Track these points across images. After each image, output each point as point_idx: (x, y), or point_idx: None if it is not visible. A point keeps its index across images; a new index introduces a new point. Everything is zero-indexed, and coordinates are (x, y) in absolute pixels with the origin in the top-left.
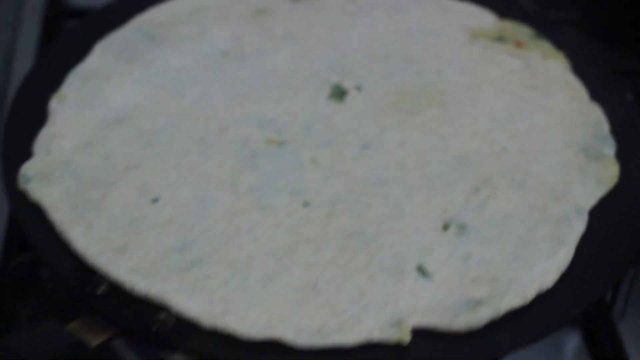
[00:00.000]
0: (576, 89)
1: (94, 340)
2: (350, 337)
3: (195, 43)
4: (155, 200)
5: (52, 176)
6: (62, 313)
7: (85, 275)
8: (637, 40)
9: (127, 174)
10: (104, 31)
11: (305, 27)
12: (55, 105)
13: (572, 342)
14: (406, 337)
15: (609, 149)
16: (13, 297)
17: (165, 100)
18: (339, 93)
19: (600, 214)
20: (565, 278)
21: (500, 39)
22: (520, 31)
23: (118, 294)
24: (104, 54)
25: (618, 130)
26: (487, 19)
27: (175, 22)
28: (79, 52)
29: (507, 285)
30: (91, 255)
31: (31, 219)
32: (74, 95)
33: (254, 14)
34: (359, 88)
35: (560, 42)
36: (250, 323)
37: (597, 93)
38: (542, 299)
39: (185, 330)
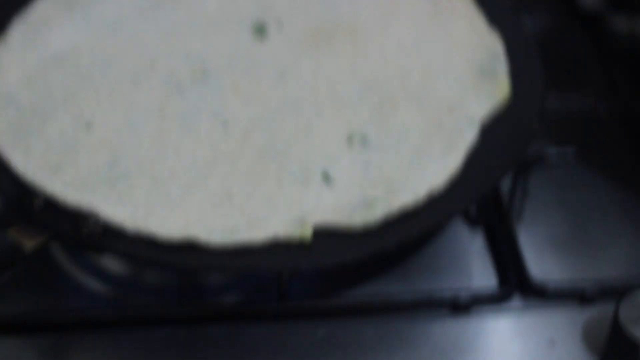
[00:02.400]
0: (476, 18)
1: (29, 243)
2: (257, 234)
3: None
4: (88, 125)
5: None
6: (2, 222)
7: (24, 190)
8: None
9: (64, 104)
10: None
11: None
12: (3, 46)
13: (476, 244)
14: (308, 234)
15: (502, 68)
16: None
17: (102, 41)
18: (260, 29)
19: (491, 125)
20: (456, 182)
21: None
22: None
23: (53, 206)
24: (46, 2)
25: (512, 52)
26: None
27: None
28: (25, 1)
29: (400, 185)
30: (29, 174)
31: None
32: (18, 38)
33: None
34: (279, 24)
35: None
36: (169, 226)
37: (496, 21)
38: (433, 201)
39: (111, 234)
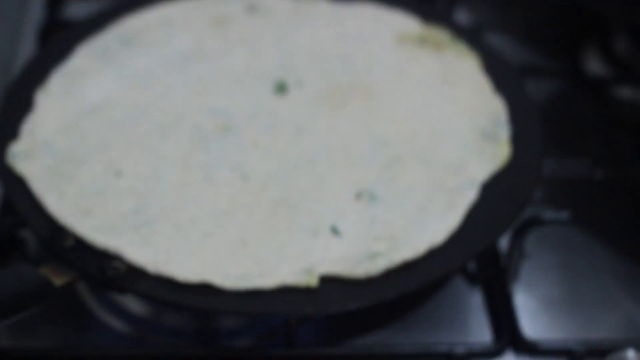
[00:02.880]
0: (482, 83)
1: (59, 281)
2: (267, 281)
3: (162, 47)
4: (118, 174)
5: (35, 154)
6: (35, 261)
7: (56, 232)
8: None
9: (96, 153)
10: (85, 36)
11: (257, 33)
12: (40, 97)
13: (474, 301)
14: (314, 282)
15: (504, 132)
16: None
17: (134, 94)
18: (281, 88)
19: (491, 187)
20: (455, 239)
21: (422, 42)
22: (441, 35)
23: (82, 247)
24: (84, 56)
25: (515, 117)
26: (413, 25)
27: (145, 29)
28: (64, 54)
29: (403, 241)
30: (62, 216)
31: (16, 189)
32: (57, 89)
33: (213, 22)
34: (299, 84)
35: (475, 45)
36: (187, 270)
37: (501, 86)
38: (433, 254)
39: (134, 276)
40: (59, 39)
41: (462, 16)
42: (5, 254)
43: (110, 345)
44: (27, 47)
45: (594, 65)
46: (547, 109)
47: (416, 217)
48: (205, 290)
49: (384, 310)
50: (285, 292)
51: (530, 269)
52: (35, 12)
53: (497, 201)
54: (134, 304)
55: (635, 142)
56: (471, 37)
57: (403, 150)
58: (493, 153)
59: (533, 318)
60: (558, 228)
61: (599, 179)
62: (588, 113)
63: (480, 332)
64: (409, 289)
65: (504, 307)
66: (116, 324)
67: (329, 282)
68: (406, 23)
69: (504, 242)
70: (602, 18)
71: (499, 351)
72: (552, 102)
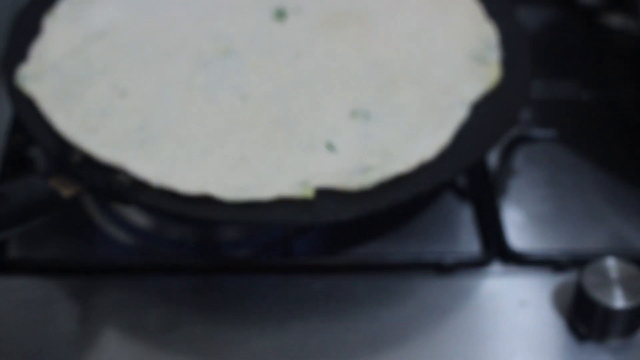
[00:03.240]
0: (475, 10)
1: (67, 192)
2: (265, 192)
3: None
4: (123, 94)
5: (43, 76)
6: (44, 175)
7: (64, 148)
8: None
9: (102, 75)
10: None
11: None
12: (48, 22)
13: (464, 215)
14: (310, 194)
15: (494, 55)
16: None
17: (138, 20)
18: (280, 14)
19: (482, 107)
20: (445, 154)
21: None
22: None
23: (89, 162)
24: None
25: (506, 42)
26: None
27: None
28: None
29: (395, 156)
30: (70, 134)
31: (25, 109)
32: (64, 15)
33: None
34: (297, 10)
35: None
36: (189, 182)
37: (493, 13)
38: (424, 169)
39: (138, 188)
40: None
41: None
42: (15, 170)
43: (115, 256)
44: None
45: None
46: (539, 36)
47: (408, 133)
48: (206, 201)
49: (377, 222)
50: (282, 204)
51: (518, 185)
52: None
53: (486, 120)
54: (137, 217)
55: (623, 66)
56: None
57: (396, 72)
58: (483, 74)
59: (520, 231)
60: (545, 145)
61: (587, 100)
62: (579, 39)
63: (469, 244)
64: (400, 200)
65: (492, 220)
66: (121, 236)
67: (324, 195)
68: None
69: (493, 159)
70: None
71: (486, 260)
72: (543, 29)
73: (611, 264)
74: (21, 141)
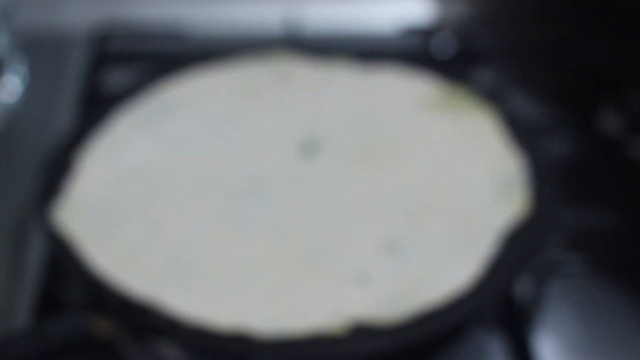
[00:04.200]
0: (500, 142)
1: (104, 332)
2: (300, 326)
3: (198, 114)
4: (157, 230)
5: (78, 214)
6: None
7: (100, 284)
8: (567, 99)
9: (137, 212)
10: (125, 104)
11: (285, 101)
12: (82, 160)
13: (495, 348)
14: (343, 328)
15: (521, 186)
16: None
17: (171, 157)
18: (309, 150)
19: (512, 237)
20: (476, 286)
21: (442, 104)
22: (460, 96)
23: (126, 301)
24: (124, 122)
25: (532, 174)
26: (432, 88)
27: (183, 98)
28: (104, 122)
29: (426, 287)
30: (105, 273)
31: (60, 248)
32: (98, 153)
33: (245, 91)
34: (325, 146)
35: (493, 105)
36: (224, 316)
37: (518, 144)
38: (455, 302)
39: (172, 325)
40: (99, 107)
41: (479, 76)
42: (47, 308)
43: None
44: (65, 114)
45: (611, 123)
46: (564, 164)
47: (439, 264)
48: (241, 336)
49: (406, 352)
50: (316, 337)
51: (550, 316)
52: (73, 80)
53: (515, 249)
54: (171, 353)
55: None
56: (488, 97)
57: (425, 204)
58: (511, 204)
59: None
60: (576, 276)
61: (614, 232)
62: (603, 169)
63: None
64: (435, 331)
65: (525, 352)
66: None
67: (358, 329)
68: (426, 87)
69: (523, 290)
70: (618, 78)
71: None
72: (568, 157)
73: None
74: (56, 281)
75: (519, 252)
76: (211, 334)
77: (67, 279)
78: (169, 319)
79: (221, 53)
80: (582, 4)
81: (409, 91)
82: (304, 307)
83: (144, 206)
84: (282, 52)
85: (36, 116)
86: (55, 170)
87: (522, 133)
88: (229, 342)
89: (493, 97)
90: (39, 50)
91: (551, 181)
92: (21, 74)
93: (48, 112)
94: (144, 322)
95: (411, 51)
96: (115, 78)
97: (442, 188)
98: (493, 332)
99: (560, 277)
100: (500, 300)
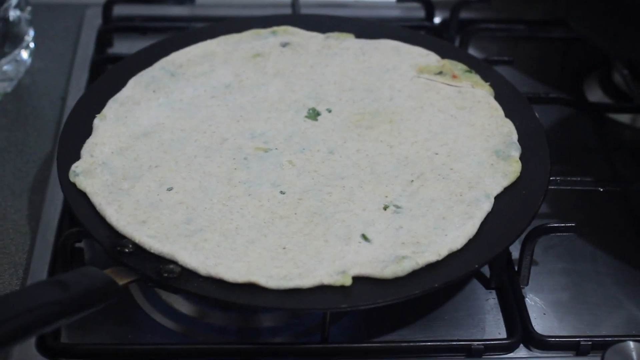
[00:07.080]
0: (495, 109)
1: (121, 281)
2: (306, 281)
3: (205, 78)
4: (169, 189)
5: (94, 172)
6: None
7: (116, 240)
8: (555, 74)
9: (150, 171)
10: (135, 70)
11: (291, 66)
12: (98, 122)
13: (490, 303)
14: (348, 282)
15: (515, 152)
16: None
17: (181, 120)
18: (313, 114)
19: (504, 199)
20: (472, 244)
21: (440, 73)
22: (457, 67)
23: (140, 252)
24: (135, 86)
25: (525, 139)
26: (431, 58)
27: (190, 63)
28: (117, 85)
29: (426, 246)
30: (121, 226)
31: (78, 203)
32: (112, 115)
33: (251, 57)
34: (329, 111)
35: (488, 76)
36: (234, 271)
37: (511, 112)
38: (453, 257)
39: (187, 277)
40: (111, 71)
41: (474, 53)
42: (66, 261)
43: (161, 341)
44: (81, 80)
45: (595, 95)
46: (553, 132)
47: (437, 225)
48: (251, 289)
49: (408, 310)
50: (322, 291)
51: (539, 273)
52: (87, 49)
53: (509, 212)
54: (182, 305)
55: (633, 160)
56: (484, 69)
57: (423, 168)
58: (506, 169)
59: (542, 318)
60: (564, 236)
61: (600, 193)
62: (590, 135)
63: (496, 330)
64: (433, 288)
65: (517, 308)
66: (166, 322)
67: (361, 282)
68: (425, 57)
69: (515, 250)
70: (603, 54)
71: (512, 346)
72: (557, 126)
73: (632, 346)
74: (75, 233)
75: (512, 215)
76: (223, 285)
77: (84, 234)
78: (183, 270)
79: (229, 19)
80: None
81: (409, 60)
82: (310, 264)
83: (155, 166)
84: (289, 20)
85: (48, 80)
86: (73, 131)
87: (514, 102)
88: (240, 292)
89: (488, 70)
90: (50, 16)
91: (543, 147)
92: (32, 39)
93: (59, 75)
94: (160, 272)
95: (411, 22)
96: (125, 43)
97: (439, 154)
98: (486, 288)
99: (550, 238)
100: (494, 259)
